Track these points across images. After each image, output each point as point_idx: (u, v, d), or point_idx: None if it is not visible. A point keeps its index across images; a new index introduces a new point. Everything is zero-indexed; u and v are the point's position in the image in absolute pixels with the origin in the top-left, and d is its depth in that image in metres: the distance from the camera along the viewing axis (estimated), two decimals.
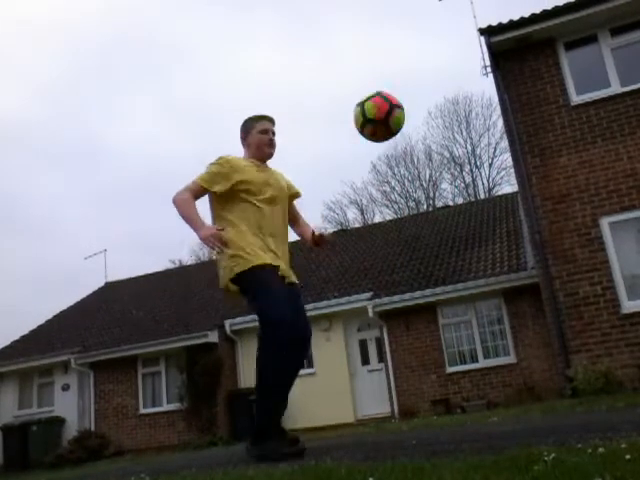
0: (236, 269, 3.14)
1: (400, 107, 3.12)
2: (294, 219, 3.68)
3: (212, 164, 3.34)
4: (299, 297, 3.37)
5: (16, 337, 17.08)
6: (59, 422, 14.35)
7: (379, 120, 3.07)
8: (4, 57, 49.94)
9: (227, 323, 13.51)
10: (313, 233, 3.53)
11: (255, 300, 3.17)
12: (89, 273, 35.80)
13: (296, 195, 3.65)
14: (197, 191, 3.29)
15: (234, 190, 3.27)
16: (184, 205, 3.23)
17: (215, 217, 3.39)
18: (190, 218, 3.20)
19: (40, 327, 17.67)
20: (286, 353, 3.04)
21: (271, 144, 3.47)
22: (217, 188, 3.27)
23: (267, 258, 3.18)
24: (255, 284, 3.14)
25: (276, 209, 3.36)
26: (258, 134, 3.45)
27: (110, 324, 16.25)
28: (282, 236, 3.42)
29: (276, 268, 3.19)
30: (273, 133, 3.50)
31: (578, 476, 1.55)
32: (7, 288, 41.91)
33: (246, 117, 3.55)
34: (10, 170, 48.52)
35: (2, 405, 15.14)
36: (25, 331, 17.45)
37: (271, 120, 3.53)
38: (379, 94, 3.12)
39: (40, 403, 15.00)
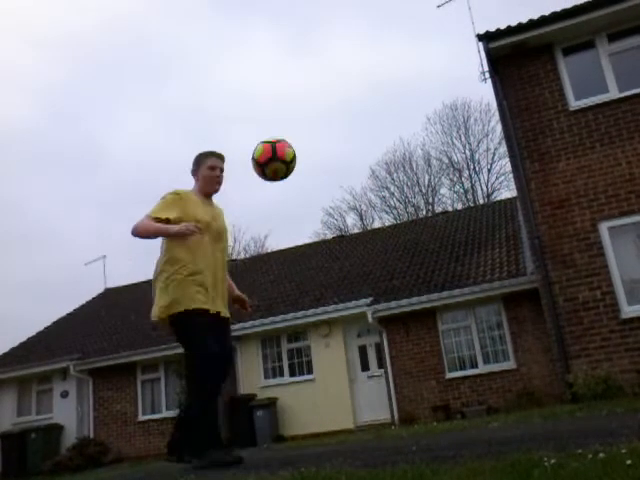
0: (172, 310, 3.41)
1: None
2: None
3: (164, 197, 3.57)
4: (227, 330, 3.70)
5: (15, 344, 17.07)
6: (58, 429, 14.31)
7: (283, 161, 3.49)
8: (3, 63, 50.06)
9: None
10: (237, 296, 3.90)
11: (189, 342, 3.47)
12: (88, 279, 35.81)
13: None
14: (152, 221, 3.49)
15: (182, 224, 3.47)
16: (144, 225, 3.46)
17: (165, 250, 3.57)
18: (157, 228, 3.43)
19: (39, 334, 17.64)
20: (212, 381, 3.44)
21: (218, 181, 3.71)
22: (168, 214, 3.47)
23: (201, 301, 3.44)
24: (190, 327, 3.43)
25: (218, 245, 3.63)
26: (207, 170, 3.68)
27: (109, 330, 16.23)
28: (222, 272, 3.65)
29: (208, 311, 3.46)
30: (221, 170, 3.72)
31: None
32: (6, 295, 41.87)
33: (200, 152, 3.78)
34: (8, 176, 48.56)
35: (1, 412, 15.09)
36: (24, 338, 17.45)
37: (221, 157, 3.76)
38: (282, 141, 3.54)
39: (39, 410, 14.96)
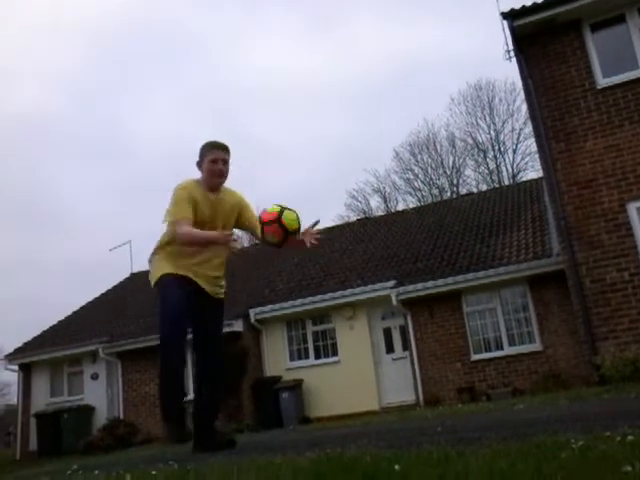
0: (152, 279, 3.65)
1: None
2: (254, 229, 3.76)
3: (175, 196, 3.60)
4: (211, 310, 3.75)
5: (46, 327, 17.43)
6: (89, 410, 14.63)
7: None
8: (28, 51, 50.56)
9: (252, 312, 13.61)
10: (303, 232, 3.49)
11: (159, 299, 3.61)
12: (115, 264, 36.34)
13: (246, 209, 3.84)
14: (187, 224, 3.56)
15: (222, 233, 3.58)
16: (189, 233, 3.51)
17: (164, 234, 3.71)
18: (204, 236, 3.54)
19: (68, 317, 17.98)
20: (168, 340, 3.57)
21: (220, 174, 3.67)
22: (192, 215, 3.56)
23: (173, 267, 3.56)
24: (159, 286, 3.60)
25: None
26: (209, 163, 3.65)
27: (136, 314, 16.45)
28: (219, 259, 3.71)
29: (184, 278, 3.56)
30: (224, 162, 3.68)
31: (606, 464, 1.53)
32: (39, 279, 42.66)
33: (204, 142, 3.75)
34: (37, 164, 49.27)
35: (35, 393, 15.49)
36: (54, 321, 17.81)
37: (223, 148, 3.71)
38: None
39: (70, 391, 15.31)
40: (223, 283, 3.85)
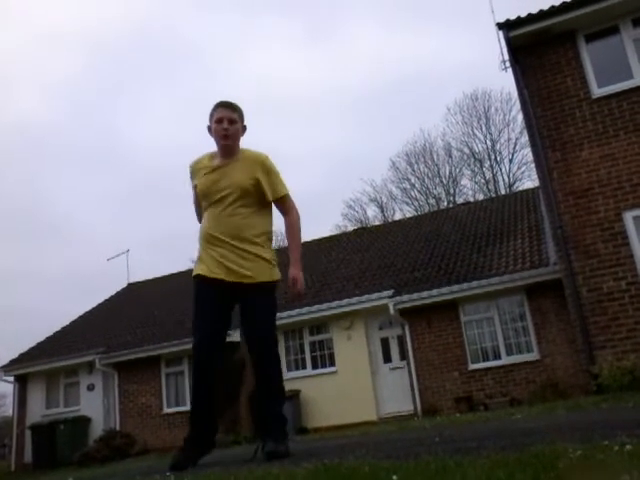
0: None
1: None
2: (276, 204, 3.49)
3: None
4: (247, 300, 3.46)
5: (42, 338, 17.37)
6: (85, 421, 14.57)
7: None
8: (24, 61, 50.72)
9: None
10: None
11: None
12: (112, 274, 36.27)
13: (263, 176, 3.29)
14: (198, 213, 3.54)
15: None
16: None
17: None
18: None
19: (65, 328, 17.93)
20: (198, 363, 3.47)
21: (226, 134, 3.24)
22: (196, 197, 3.46)
23: (202, 268, 3.39)
24: (193, 289, 3.52)
25: (223, 209, 3.24)
26: (214, 124, 3.29)
27: (133, 325, 16.42)
28: (232, 236, 3.23)
29: (205, 278, 3.37)
30: (230, 121, 3.25)
31: (605, 473, 1.53)
32: (36, 289, 42.55)
33: None
34: (35, 173, 49.27)
35: (30, 404, 15.41)
36: (51, 332, 17.75)
37: (228, 106, 3.29)
38: None
39: (67, 403, 15.25)
40: (255, 252, 3.29)
